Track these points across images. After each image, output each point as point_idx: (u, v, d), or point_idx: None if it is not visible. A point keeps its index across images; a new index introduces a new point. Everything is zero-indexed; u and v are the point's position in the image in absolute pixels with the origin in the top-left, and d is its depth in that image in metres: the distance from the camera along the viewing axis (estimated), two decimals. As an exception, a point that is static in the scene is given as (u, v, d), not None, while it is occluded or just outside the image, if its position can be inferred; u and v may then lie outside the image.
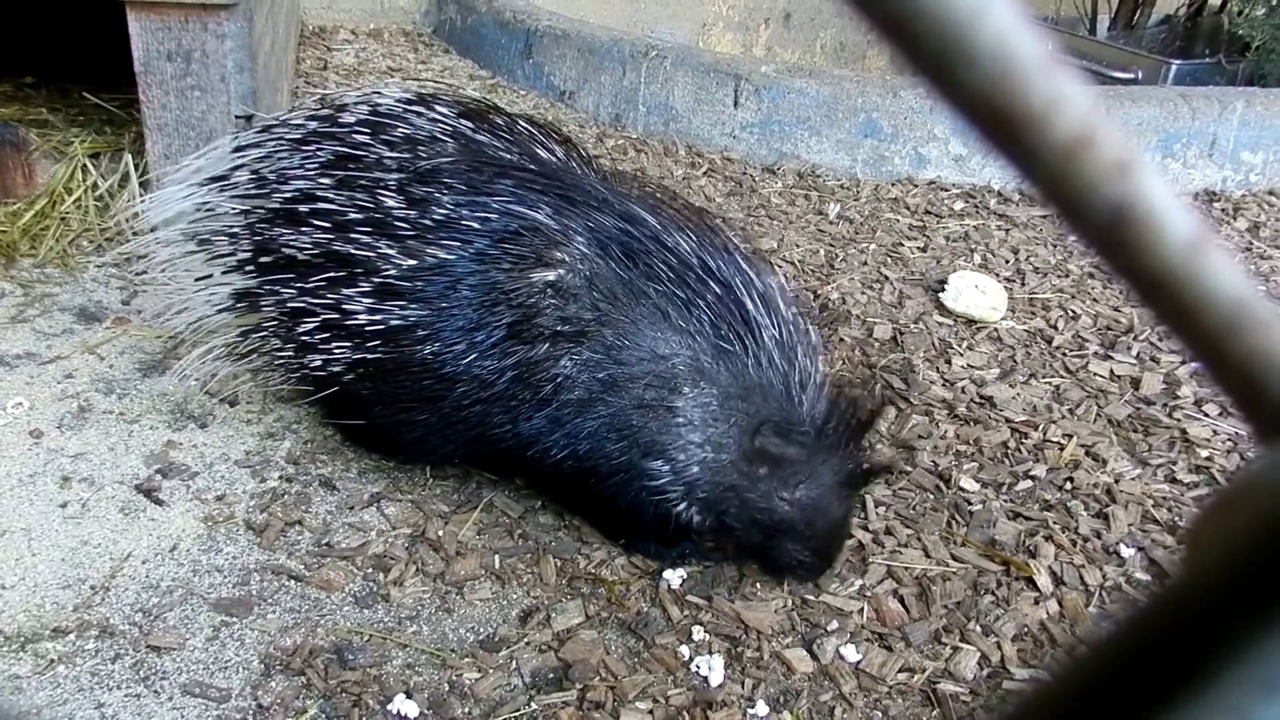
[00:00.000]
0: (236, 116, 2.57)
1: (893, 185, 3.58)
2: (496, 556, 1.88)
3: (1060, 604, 1.86)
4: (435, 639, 1.71)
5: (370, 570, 1.83)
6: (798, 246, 3.09)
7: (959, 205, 3.47)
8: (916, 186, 3.57)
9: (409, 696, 1.58)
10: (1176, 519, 2.09)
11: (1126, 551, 1.99)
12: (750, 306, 1.73)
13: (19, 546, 1.80)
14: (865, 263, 3.05)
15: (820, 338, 1.92)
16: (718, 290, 1.73)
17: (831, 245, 3.13)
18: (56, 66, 3.29)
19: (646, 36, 4.26)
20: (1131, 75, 4.85)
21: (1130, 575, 1.94)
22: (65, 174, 2.78)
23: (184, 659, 1.63)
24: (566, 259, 1.74)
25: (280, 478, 2.02)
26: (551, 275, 1.73)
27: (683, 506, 1.79)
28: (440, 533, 1.91)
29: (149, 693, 1.57)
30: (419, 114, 1.90)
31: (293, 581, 1.79)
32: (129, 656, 1.62)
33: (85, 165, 2.81)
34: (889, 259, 3.09)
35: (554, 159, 1.90)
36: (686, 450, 1.74)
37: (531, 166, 1.85)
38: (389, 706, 1.57)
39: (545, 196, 1.78)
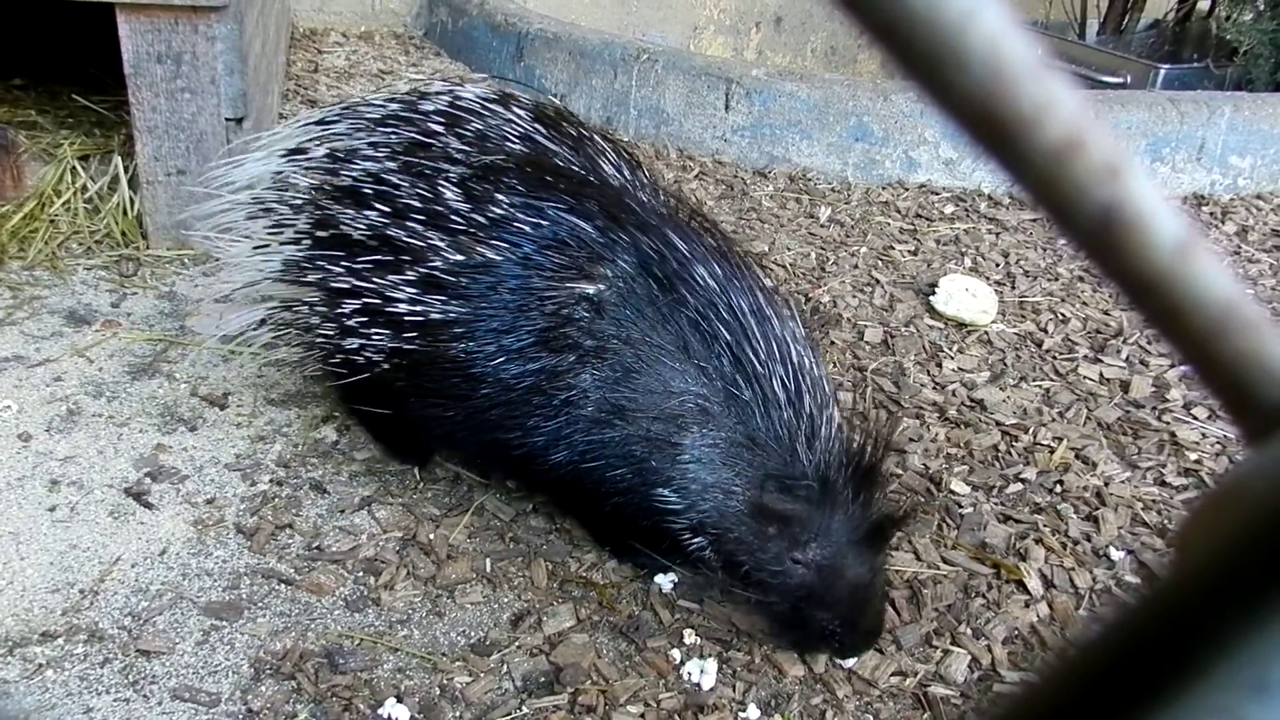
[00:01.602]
0: (226, 119, 2.56)
1: (883, 189, 3.58)
2: (488, 560, 1.87)
3: (1050, 607, 1.87)
4: (426, 643, 1.71)
5: (361, 574, 1.82)
6: (789, 250, 3.10)
7: (949, 209, 3.48)
8: (907, 190, 3.58)
9: (400, 700, 1.58)
10: (1166, 522, 2.10)
11: (1116, 554, 2.00)
12: (764, 352, 1.66)
13: (7, 550, 1.79)
14: (856, 266, 3.06)
15: (833, 385, 1.83)
16: (736, 332, 1.68)
17: (823, 248, 3.14)
18: (45, 68, 3.27)
19: (637, 40, 4.26)
20: (1120, 80, 4.87)
21: (1120, 578, 1.95)
22: (54, 176, 2.77)
23: (173, 663, 1.62)
24: (609, 274, 1.72)
25: (271, 481, 2.01)
26: (590, 289, 1.71)
27: (694, 540, 1.74)
28: (431, 536, 1.91)
29: (138, 697, 1.56)
30: (496, 113, 1.90)
31: (283, 585, 1.79)
32: (118, 661, 1.62)
33: (74, 167, 2.80)
34: (880, 262, 3.10)
35: (620, 177, 1.87)
36: (696, 483, 1.70)
37: (592, 180, 1.83)
38: (380, 711, 1.56)
39: (599, 211, 1.76)
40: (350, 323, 1.84)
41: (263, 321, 2.03)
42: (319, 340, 1.93)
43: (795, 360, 1.68)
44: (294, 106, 3.65)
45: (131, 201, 2.72)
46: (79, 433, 2.08)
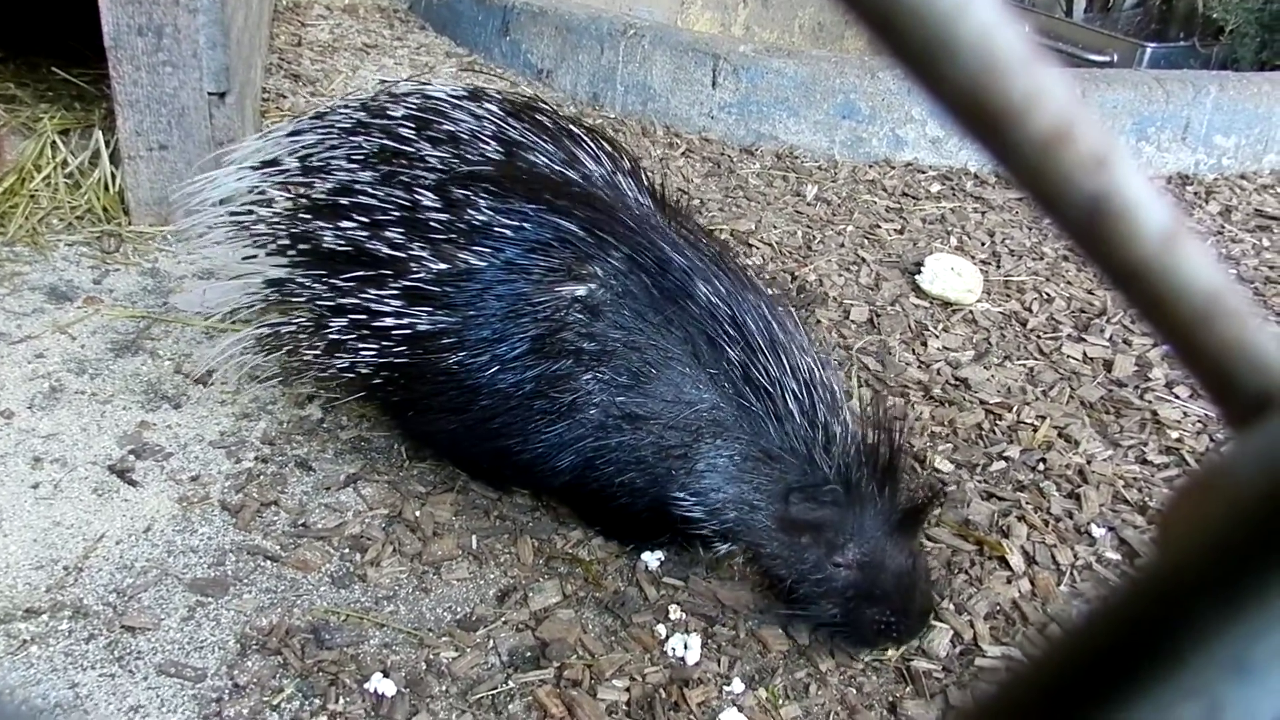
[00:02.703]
0: (209, 93, 2.53)
1: (870, 167, 3.58)
2: (474, 537, 1.88)
3: (1032, 583, 1.89)
4: (412, 619, 1.71)
5: (347, 551, 1.83)
6: (775, 228, 3.09)
7: (936, 187, 3.49)
8: (894, 168, 3.58)
9: (386, 675, 1.59)
10: (1147, 499, 2.12)
11: (1098, 531, 2.02)
12: (774, 362, 1.64)
13: (-9, 527, 1.79)
14: (842, 244, 3.06)
15: (844, 388, 1.81)
16: (745, 342, 1.65)
17: (809, 227, 3.14)
18: (24, 41, 3.23)
19: (625, 14, 4.23)
20: (1107, 58, 4.87)
21: (1101, 555, 1.97)
22: (34, 151, 2.74)
23: (159, 639, 1.62)
24: (600, 273, 1.69)
25: (256, 458, 2.01)
26: (581, 290, 1.68)
27: (722, 545, 1.74)
28: (417, 513, 1.91)
29: (124, 672, 1.56)
30: (466, 111, 1.86)
31: (269, 562, 1.79)
32: (103, 637, 1.62)
33: (55, 142, 2.76)
34: (866, 241, 3.10)
35: (600, 170, 1.84)
36: (717, 488, 1.69)
37: (572, 176, 1.80)
38: (366, 686, 1.57)
39: (582, 209, 1.72)
40: (337, 338, 1.81)
41: (259, 343, 2.00)
42: (308, 359, 1.91)
43: (805, 369, 1.66)
44: (277, 81, 3.61)
45: (113, 176, 2.69)
46: (62, 410, 2.07)
